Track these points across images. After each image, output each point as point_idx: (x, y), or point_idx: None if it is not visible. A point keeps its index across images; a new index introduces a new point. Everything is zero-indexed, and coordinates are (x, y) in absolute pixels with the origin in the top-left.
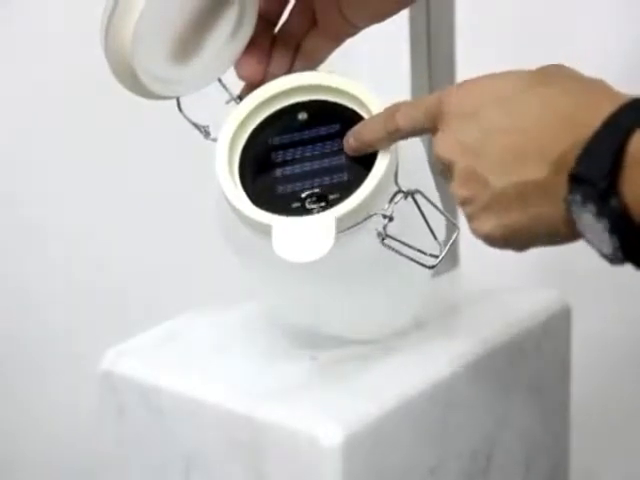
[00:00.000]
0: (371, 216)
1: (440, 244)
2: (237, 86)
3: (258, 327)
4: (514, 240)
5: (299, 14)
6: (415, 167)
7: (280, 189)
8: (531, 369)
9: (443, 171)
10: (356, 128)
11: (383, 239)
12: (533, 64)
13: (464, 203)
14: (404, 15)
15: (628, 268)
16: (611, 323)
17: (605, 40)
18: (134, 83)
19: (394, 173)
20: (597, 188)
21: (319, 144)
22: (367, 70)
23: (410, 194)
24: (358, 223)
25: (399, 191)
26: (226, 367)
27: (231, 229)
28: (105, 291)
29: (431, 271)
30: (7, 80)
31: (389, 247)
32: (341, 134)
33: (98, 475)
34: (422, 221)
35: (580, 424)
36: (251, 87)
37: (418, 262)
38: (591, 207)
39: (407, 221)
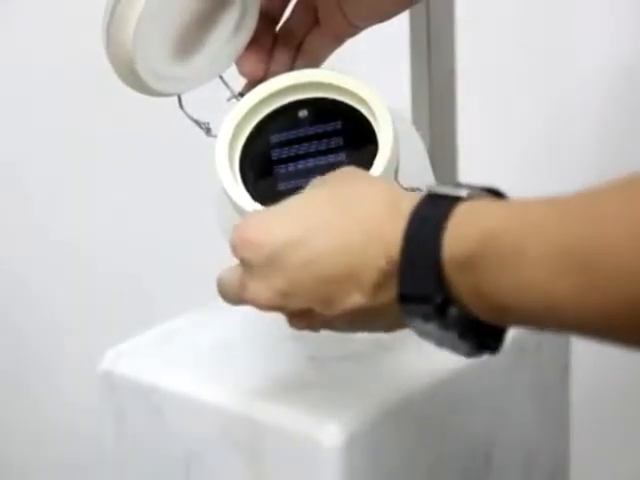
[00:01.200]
0: None
1: None
2: (238, 83)
3: (258, 327)
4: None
5: (301, 13)
6: (415, 164)
7: (281, 186)
8: (531, 368)
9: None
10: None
11: None
12: (533, 64)
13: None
14: (404, 15)
15: None
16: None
17: (605, 40)
18: (135, 80)
19: (394, 170)
20: (432, 304)
21: (320, 141)
22: (367, 70)
23: (410, 191)
24: None
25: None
26: (226, 367)
27: (231, 226)
28: (105, 291)
29: None
30: (7, 80)
31: None
32: (342, 131)
33: (98, 475)
34: None
35: (580, 424)
36: (252, 84)
37: None
38: (432, 325)
39: None
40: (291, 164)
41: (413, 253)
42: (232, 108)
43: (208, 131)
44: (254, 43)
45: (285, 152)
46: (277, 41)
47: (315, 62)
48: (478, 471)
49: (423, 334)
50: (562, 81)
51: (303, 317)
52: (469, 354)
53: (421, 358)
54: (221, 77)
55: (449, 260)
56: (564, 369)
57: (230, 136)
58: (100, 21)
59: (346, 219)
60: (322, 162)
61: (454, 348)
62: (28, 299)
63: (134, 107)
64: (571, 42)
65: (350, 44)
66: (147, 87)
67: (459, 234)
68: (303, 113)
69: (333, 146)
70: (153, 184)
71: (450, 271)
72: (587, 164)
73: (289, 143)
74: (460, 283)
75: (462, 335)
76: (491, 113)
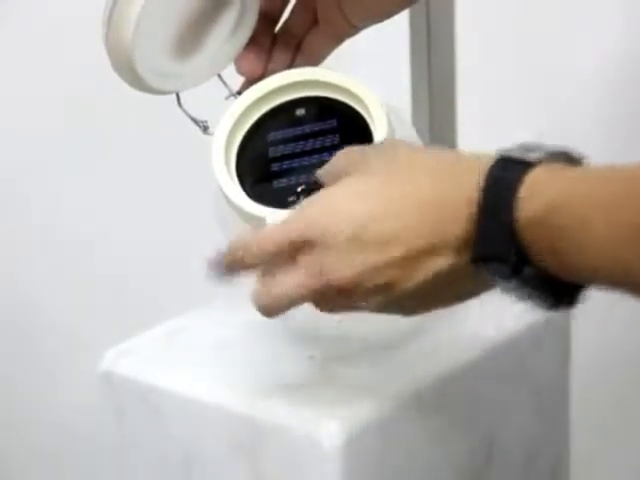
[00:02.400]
0: None
1: None
2: (236, 82)
3: (258, 327)
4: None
5: (300, 13)
6: None
7: (276, 183)
8: (531, 368)
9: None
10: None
11: None
12: (533, 64)
13: (377, 310)
14: (404, 15)
15: None
16: (611, 322)
17: (605, 40)
18: (134, 77)
19: None
20: (508, 264)
21: (316, 139)
22: (367, 70)
23: None
24: None
25: None
26: (226, 367)
27: (229, 223)
28: (105, 291)
29: None
30: (7, 79)
31: None
32: (338, 130)
33: (98, 475)
34: None
35: (580, 423)
36: (250, 83)
37: None
38: (508, 282)
39: None
40: (288, 162)
41: (489, 215)
42: (230, 106)
43: (205, 129)
44: (253, 42)
45: (282, 150)
46: (276, 41)
47: (314, 62)
48: (479, 470)
49: (505, 291)
50: (562, 81)
51: (377, 293)
52: (548, 309)
53: (421, 358)
54: (219, 76)
55: (523, 221)
56: (564, 368)
57: (227, 134)
58: (99, 20)
59: (417, 186)
60: (318, 160)
61: (534, 303)
62: (28, 299)
63: (133, 108)
64: (571, 42)
65: (350, 44)
66: (146, 85)
67: (532, 197)
68: (300, 111)
69: (329, 144)
70: (152, 184)
71: (524, 231)
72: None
73: (286, 141)
74: (534, 242)
75: (539, 292)
76: (491, 113)
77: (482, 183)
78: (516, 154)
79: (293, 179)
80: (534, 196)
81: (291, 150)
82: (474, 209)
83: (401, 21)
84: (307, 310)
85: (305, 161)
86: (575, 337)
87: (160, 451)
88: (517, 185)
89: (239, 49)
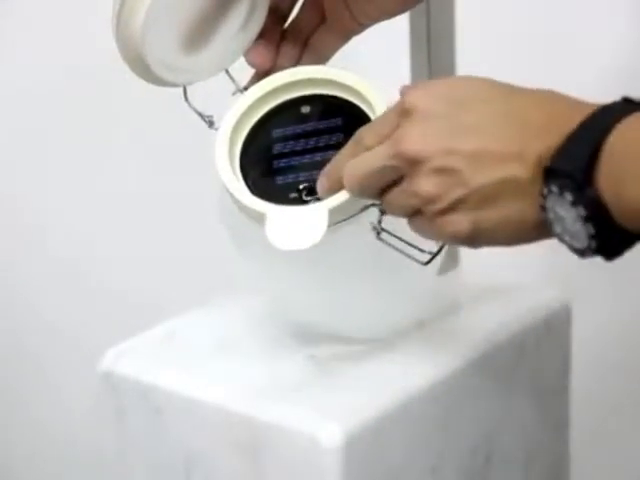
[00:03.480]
0: (365, 208)
1: (436, 242)
2: (243, 78)
3: (258, 327)
4: (479, 240)
5: (308, 10)
6: None
7: (279, 180)
8: (531, 368)
9: (396, 171)
10: (326, 169)
11: (378, 233)
12: (533, 64)
13: (428, 201)
14: (404, 15)
15: (628, 266)
16: (611, 322)
17: (606, 40)
18: (144, 69)
19: None
20: (574, 179)
21: (320, 137)
22: (367, 70)
23: None
24: (352, 216)
25: None
26: (226, 367)
27: (233, 219)
28: (105, 291)
29: (433, 270)
30: (7, 79)
31: (384, 242)
32: (342, 128)
33: (98, 475)
34: None
35: (580, 424)
36: (258, 78)
37: (413, 258)
38: (568, 196)
39: (403, 220)
40: (291, 158)
41: (579, 134)
42: (236, 101)
43: (211, 124)
44: (262, 38)
45: (286, 147)
46: (284, 37)
47: (321, 59)
48: (478, 471)
49: (553, 216)
50: (562, 81)
51: (443, 178)
52: (584, 249)
53: (421, 358)
54: (227, 71)
55: (609, 149)
56: (564, 368)
57: (231, 129)
58: (105, 15)
59: (527, 100)
60: (321, 157)
61: (574, 235)
62: (27, 299)
63: (133, 109)
64: (571, 42)
65: (350, 44)
66: (155, 77)
67: (628, 129)
68: (305, 109)
69: (333, 142)
70: (153, 184)
71: (604, 158)
72: None
73: (290, 138)
74: (609, 174)
75: (588, 217)
76: None
77: (593, 109)
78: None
79: (296, 176)
80: (630, 129)
81: (295, 147)
82: (574, 125)
83: (401, 21)
84: (307, 308)
85: (308, 158)
86: (575, 337)
87: (160, 451)
88: (620, 115)
89: (248, 45)
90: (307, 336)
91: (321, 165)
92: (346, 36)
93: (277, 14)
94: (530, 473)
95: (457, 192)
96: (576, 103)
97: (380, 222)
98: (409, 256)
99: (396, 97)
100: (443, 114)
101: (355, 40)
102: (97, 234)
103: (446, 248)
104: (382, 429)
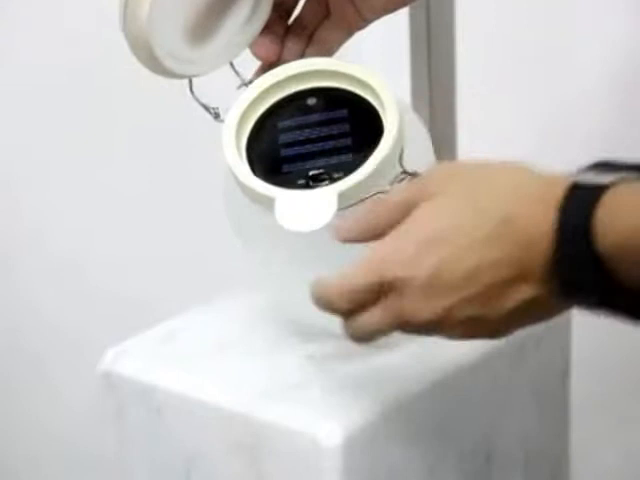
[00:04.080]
0: (374, 195)
1: None
2: (248, 72)
3: (258, 327)
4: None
5: (313, 4)
6: (420, 153)
7: (286, 168)
8: (531, 369)
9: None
10: (340, 225)
11: None
12: (533, 64)
13: (472, 334)
14: (404, 15)
15: None
16: (611, 322)
17: (607, 40)
18: (151, 60)
19: (398, 154)
20: (596, 294)
21: (326, 127)
22: None
23: (414, 176)
24: (361, 200)
25: (403, 172)
26: (226, 367)
27: (237, 212)
28: (105, 291)
29: None
30: (7, 78)
31: None
32: (348, 118)
33: (98, 475)
34: None
35: (580, 424)
36: (263, 71)
37: None
38: (592, 300)
39: None
40: (297, 147)
41: (567, 244)
42: (242, 93)
43: (217, 116)
44: (267, 31)
45: (292, 136)
46: (289, 31)
47: (325, 53)
48: (478, 470)
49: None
50: (562, 80)
51: (464, 326)
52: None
53: (421, 358)
54: (232, 64)
55: (606, 246)
56: (564, 368)
57: (238, 119)
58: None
59: (491, 216)
60: (327, 146)
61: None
62: (27, 299)
63: (133, 109)
64: (571, 42)
65: (350, 43)
66: (163, 68)
67: (612, 221)
68: (311, 100)
69: (339, 132)
70: (153, 184)
71: (609, 256)
72: (587, 161)
73: (296, 128)
74: (620, 265)
75: (634, 318)
76: (491, 113)
77: (556, 214)
78: (589, 179)
79: (303, 164)
80: (614, 221)
81: (301, 137)
82: (552, 239)
83: (401, 21)
84: (307, 305)
85: (315, 147)
86: (575, 337)
87: (160, 451)
88: (592, 212)
89: (253, 38)
90: (307, 336)
91: (329, 153)
92: (350, 31)
93: (282, 8)
94: (530, 473)
95: (490, 325)
96: (533, 202)
97: None
98: None
99: (396, 97)
100: (426, 282)
101: (355, 39)
102: (97, 234)
103: None
104: (382, 429)
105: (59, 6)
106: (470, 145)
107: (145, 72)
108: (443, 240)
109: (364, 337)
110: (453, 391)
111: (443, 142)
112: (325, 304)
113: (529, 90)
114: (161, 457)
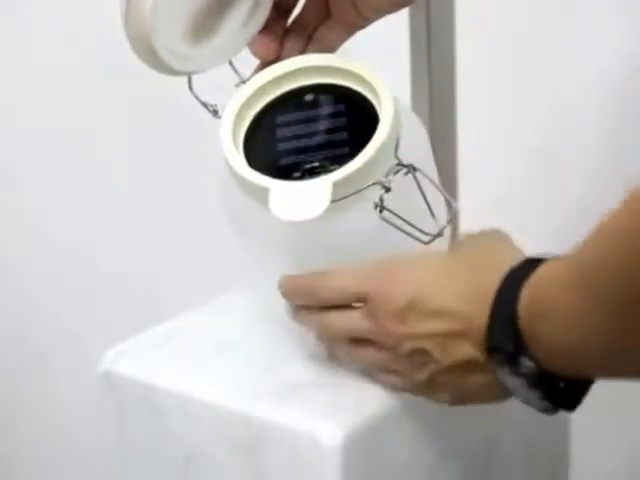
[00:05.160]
0: (369, 186)
1: (437, 222)
2: (247, 71)
3: (258, 327)
4: (463, 404)
5: (313, 4)
6: (419, 152)
7: (283, 161)
8: None
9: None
10: (281, 286)
11: (381, 211)
12: (532, 64)
13: (417, 370)
14: (404, 15)
15: None
16: None
17: (607, 39)
18: (151, 56)
19: (394, 146)
20: (505, 352)
21: (323, 121)
22: None
23: (410, 168)
24: (356, 192)
25: (399, 163)
26: (226, 367)
27: (235, 208)
28: (105, 291)
29: None
30: (7, 78)
31: (386, 220)
32: (345, 113)
33: (98, 474)
34: (421, 201)
35: (580, 424)
36: (262, 68)
37: (414, 237)
38: (506, 369)
39: (406, 201)
40: (295, 141)
41: (497, 306)
42: (239, 89)
43: (215, 113)
44: (266, 30)
45: (289, 131)
46: (289, 30)
47: (325, 53)
48: (478, 471)
49: (511, 388)
50: (562, 80)
51: (414, 357)
52: (545, 409)
53: None
54: (230, 62)
55: (521, 311)
56: None
57: (235, 114)
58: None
59: (464, 274)
60: (324, 140)
61: (532, 401)
62: (27, 299)
63: (133, 109)
64: (572, 41)
65: (350, 43)
66: (163, 64)
67: (530, 294)
68: (309, 97)
69: (336, 126)
70: (153, 184)
71: (521, 321)
72: (588, 163)
73: (294, 123)
74: (527, 331)
75: (532, 386)
76: (491, 113)
77: (501, 280)
78: (540, 255)
79: (299, 158)
80: (531, 289)
81: (298, 131)
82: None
83: (401, 21)
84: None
85: (312, 141)
86: None
87: (160, 451)
88: (523, 280)
89: (252, 37)
90: (307, 335)
91: (325, 147)
92: (350, 31)
93: (281, 7)
94: (530, 473)
95: (432, 367)
96: (495, 265)
97: (382, 200)
98: (411, 235)
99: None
100: (411, 301)
101: (355, 39)
102: (97, 233)
103: (448, 230)
104: (382, 429)
105: (59, 6)
106: (470, 145)
107: (145, 72)
108: (432, 271)
109: (331, 337)
110: None
111: (443, 142)
112: (305, 298)
113: (529, 90)
114: (161, 457)
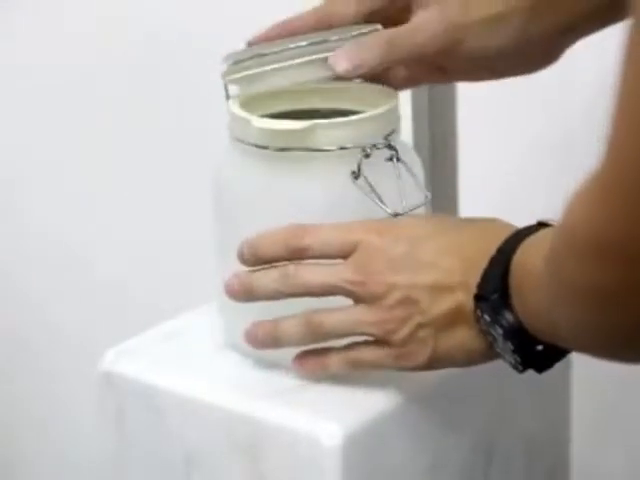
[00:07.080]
0: (354, 147)
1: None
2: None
3: None
4: (436, 365)
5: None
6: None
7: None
8: None
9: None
10: (251, 240)
11: (356, 178)
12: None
13: (389, 331)
14: None
15: None
16: None
17: (607, 41)
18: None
19: (393, 124)
20: (490, 301)
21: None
22: None
23: (394, 151)
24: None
25: (388, 145)
26: (226, 367)
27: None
28: (105, 291)
29: None
30: (7, 78)
31: (359, 187)
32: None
33: (98, 475)
34: (396, 186)
35: (581, 419)
36: (275, 32)
37: (383, 208)
38: (487, 317)
39: (382, 170)
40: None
41: (496, 259)
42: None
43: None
44: None
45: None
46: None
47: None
48: (478, 471)
49: (492, 340)
50: (562, 82)
51: (408, 306)
52: (516, 366)
53: None
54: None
55: (512, 272)
56: (565, 365)
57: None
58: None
59: (463, 233)
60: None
61: (505, 354)
62: (27, 299)
63: (133, 109)
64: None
65: None
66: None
67: (523, 252)
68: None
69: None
70: (153, 185)
71: (511, 281)
72: (588, 163)
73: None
74: (517, 294)
75: (506, 335)
76: (491, 114)
77: (507, 237)
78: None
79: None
80: (524, 249)
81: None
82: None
83: None
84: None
85: None
86: None
87: (160, 451)
88: (525, 237)
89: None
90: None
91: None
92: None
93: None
94: (530, 473)
95: (417, 319)
96: (506, 231)
97: (360, 166)
98: (380, 205)
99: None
100: (409, 249)
101: None
102: (97, 234)
103: (422, 208)
104: (382, 429)
105: (59, 7)
106: (470, 147)
107: (145, 73)
108: (429, 226)
109: (317, 289)
110: (453, 391)
111: (443, 143)
112: (297, 240)
113: (529, 92)
114: (161, 457)
